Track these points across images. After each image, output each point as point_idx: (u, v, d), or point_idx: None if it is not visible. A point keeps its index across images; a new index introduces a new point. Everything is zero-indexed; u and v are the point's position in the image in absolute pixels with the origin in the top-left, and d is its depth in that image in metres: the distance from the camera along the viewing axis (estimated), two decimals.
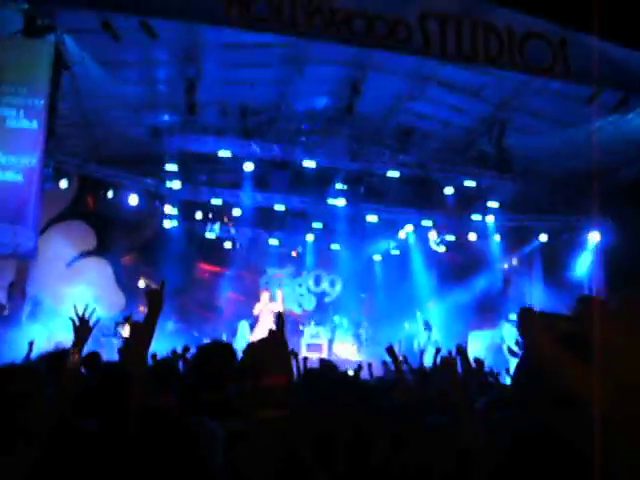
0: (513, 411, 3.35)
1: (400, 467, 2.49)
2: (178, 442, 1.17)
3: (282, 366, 1.68)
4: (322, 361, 7.20)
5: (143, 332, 2.81)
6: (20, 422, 1.89)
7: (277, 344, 1.75)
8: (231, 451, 1.89)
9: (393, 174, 15.57)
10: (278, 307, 16.08)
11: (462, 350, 4.83)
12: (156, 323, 2.86)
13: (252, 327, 16.16)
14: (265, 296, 16.80)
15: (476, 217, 16.57)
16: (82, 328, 3.45)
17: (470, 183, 15.45)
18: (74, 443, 1.10)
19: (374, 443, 1.69)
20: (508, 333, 15.83)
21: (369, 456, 1.70)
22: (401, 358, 4.86)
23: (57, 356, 3.67)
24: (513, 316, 16.76)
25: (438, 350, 7.90)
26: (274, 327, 1.83)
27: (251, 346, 1.83)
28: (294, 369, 8.03)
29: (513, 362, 13.56)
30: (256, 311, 16.63)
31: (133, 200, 15.37)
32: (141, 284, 17.26)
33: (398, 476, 2.31)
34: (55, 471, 1.07)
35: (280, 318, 1.87)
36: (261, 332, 15.17)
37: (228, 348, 3.76)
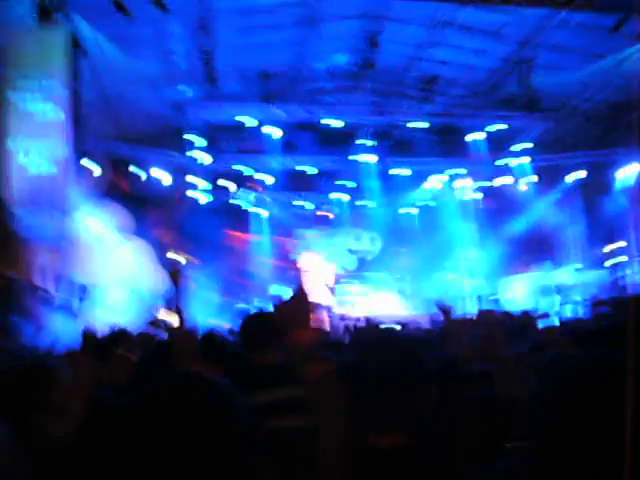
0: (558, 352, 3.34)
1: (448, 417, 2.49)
2: (206, 402, 1.18)
3: (308, 323, 1.76)
4: (368, 320, 7.26)
5: (178, 308, 2.88)
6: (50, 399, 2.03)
7: (302, 303, 1.81)
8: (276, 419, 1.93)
9: (420, 125, 15.35)
10: (321, 267, 16.11)
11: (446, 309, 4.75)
12: (186, 297, 2.91)
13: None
14: (306, 257, 16.82)
15: (509, 160, 16.28)
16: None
17: (500, 126, 15.15)
18: (105, 417, 1.13)
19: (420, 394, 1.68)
20: (554, 274, 15.69)
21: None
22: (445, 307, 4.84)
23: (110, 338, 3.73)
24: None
25: (479, 298, 7.89)
26: (299, 288, 1.88)
27: (278, 307, 1.89)
28: (328, 325, 8.10)
29: (546, 303, 13.43)
30: (294, 272, 16.71)
31: (164, 177, 15.46)
32: (180, 259, 17.45)
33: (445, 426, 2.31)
34: (88, 444, 1.11)
35: (298, 279, 1.93)
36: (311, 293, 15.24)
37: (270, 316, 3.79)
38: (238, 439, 1.17)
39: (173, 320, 2.99)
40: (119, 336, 3.44)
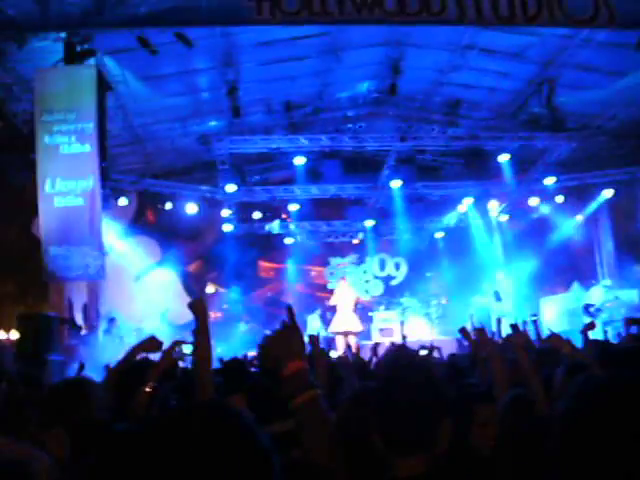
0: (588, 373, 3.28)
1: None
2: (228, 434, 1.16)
3: (298, 353, 1.77)
4: (393, 345, 7.20)
5: (200, 339, 2.89)
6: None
7: (291, 334, 1.82)
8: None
9: (445, 149, 15.35)
10: (351, 295, 16.07)
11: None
12: (207, 328, 2.92)
13: (322, 318, 16.22)
14: (342, 285, 16.83)
15: (536, 181, 16.17)
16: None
17: (525, 148, 15.07)
18: (104, 445, 1.13)
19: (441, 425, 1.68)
20: (584, 295, 15.44)
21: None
22: (477, 329, 4.79)
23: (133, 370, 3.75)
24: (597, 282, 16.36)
25: (499, 321, 7.77)
26: (287, 318, 1.90)
27: (267, 339, 1.90)
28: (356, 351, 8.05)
29: (587, 321, 13.21)
30: (332, 302, 16.72)
31: (191, 209, 15.66)
32: (210, 289, 17.59)
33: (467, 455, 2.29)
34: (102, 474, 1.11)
35: (290, 310, 1.93)
36: (342, 321, 15.30)
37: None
38: (257, 472, 1.16)
39: (193, 351, 3.02)
40: (143, 369, 3.45)
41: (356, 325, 15.12)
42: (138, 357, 3.78)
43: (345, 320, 15.09)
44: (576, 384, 1.12)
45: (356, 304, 15.58)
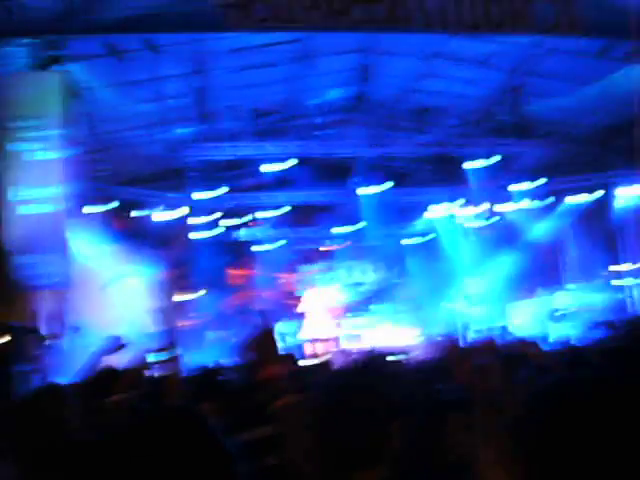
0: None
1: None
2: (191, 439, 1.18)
3: (275, 359, 1.78)
4: (371, 352, 7.21)
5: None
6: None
7: (267, 339, 1.83)
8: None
9: (414, 156, 15.47)
10: (321, 302, 16.16)
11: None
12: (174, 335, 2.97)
13: (291, 326, 16.19)
14: (310, 292, 16.88)
15: (504, 187, 16.35)
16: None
17: (492, 154, 15.25)
18: (73, 455, 1.15)
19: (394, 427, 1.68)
20: (549, 299, 15.64)
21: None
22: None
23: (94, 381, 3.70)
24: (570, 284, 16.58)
25: (465, 326, 7.85)
26: (262, 325, 1.90)
27: (243, 346, 1.91)
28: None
29: (554, 328, 13.34)
30: (300, 309, 16.72)
31: (163, 217, 15.52)
32: (179, 297, 17.43)
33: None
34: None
35: (264, 315, 1.94)
36: (311, 328, 15.34)
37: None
38: (220, 476, 1.17)
39: (163, 358, 3.00)
40: (110, 379, 3.41)
41: (327, 332, 15.15)
42: (103, 363, 3.75)
43: (315, 327, 15.13)
44: (531, 385, 1.12)
45: (329, 310, 15.66)
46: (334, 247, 18.99)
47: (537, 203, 16.69)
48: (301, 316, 17.15)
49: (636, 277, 15.49)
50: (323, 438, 1.66)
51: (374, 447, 1.63)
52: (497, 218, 17.54)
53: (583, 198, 16.27)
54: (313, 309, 15.81)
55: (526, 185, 16.06)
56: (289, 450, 1.79)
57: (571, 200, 16.31)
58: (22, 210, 9.03)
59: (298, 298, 18.56)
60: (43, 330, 11.68)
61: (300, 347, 14.76)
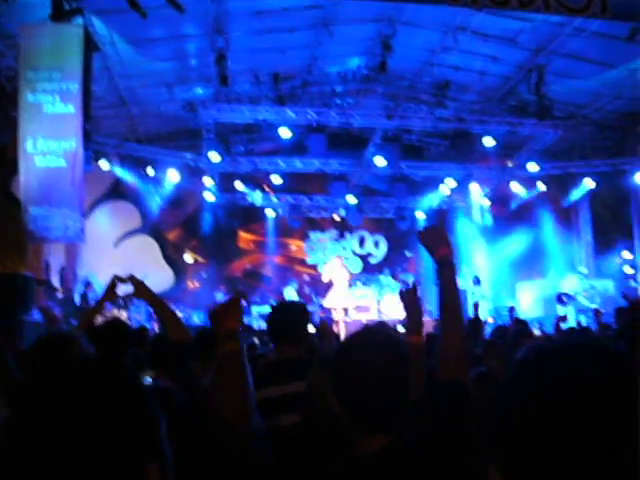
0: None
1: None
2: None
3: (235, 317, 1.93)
4: (379, 323, 7.23)
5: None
6: None
7: (235, 304, 1.96)
8: None
9: (431, 129, 15.34)
10: (345, 272, 16.57)
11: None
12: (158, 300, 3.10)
13: (298, 292, 16.27)
14: (335, 262, 17.16)
15: (519, 167, 16.21)
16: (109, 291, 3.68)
17: (510, 133, 15.08)
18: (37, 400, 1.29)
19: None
20: (559, 282, 15.62)
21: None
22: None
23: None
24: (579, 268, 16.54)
25: (476, 306, 7.84)
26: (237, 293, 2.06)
27: (212, 311, 2.04)
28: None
29: (561, 310, 13.34)
30: (325, 278, 17.02)
31: (173, 176, 15.52)
32: (189, 259, 17.54)
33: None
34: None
35: (234, 284, 2.10)
36: (336, 297, 15.75)
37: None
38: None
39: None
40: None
41: (345, 302, 15.54)
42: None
43: (342, 296, 15.60)
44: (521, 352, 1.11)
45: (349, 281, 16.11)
46: (341, 216, 18.95)
47: (547, 186, 16.58)
48: (309, 283, 17.38)
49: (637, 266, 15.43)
50: (345, 399, 1.69)
51: (392, 408, 1.64)
52: (510, 198, 17.46)
53: (592, 184, 16.11)
54: (338, 278, 16.20)
55: (538, 167, 15.88)
56: (225, 394, 1.90)
57: (588, 184, 16.16)
58: (38, 162, 9.05)
59: (308, 265, 18.68)
60: (55, 283, 11.79)
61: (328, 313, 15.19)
